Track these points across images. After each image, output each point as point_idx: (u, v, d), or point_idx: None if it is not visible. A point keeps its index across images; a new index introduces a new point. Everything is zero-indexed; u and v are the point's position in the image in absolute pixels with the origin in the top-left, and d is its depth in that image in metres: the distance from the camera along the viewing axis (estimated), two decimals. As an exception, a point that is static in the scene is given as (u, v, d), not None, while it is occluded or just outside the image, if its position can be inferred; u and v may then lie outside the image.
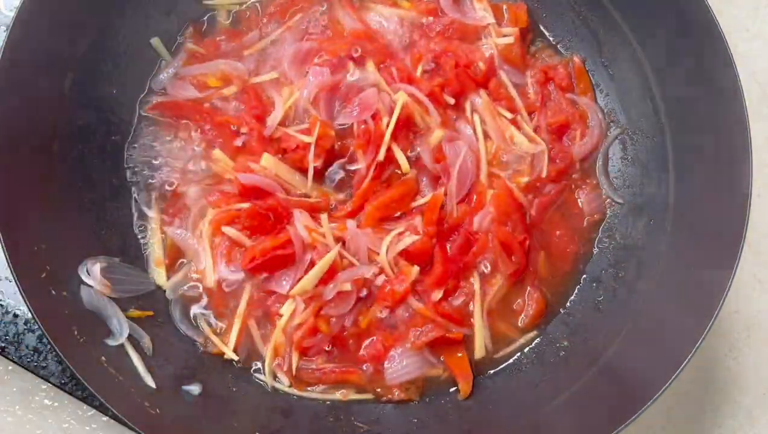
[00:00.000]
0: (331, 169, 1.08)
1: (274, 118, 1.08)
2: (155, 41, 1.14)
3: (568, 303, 1.10)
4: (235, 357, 1.02)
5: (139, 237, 1.07)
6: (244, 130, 1.08)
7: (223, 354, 1.02)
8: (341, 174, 1.08)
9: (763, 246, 1.21)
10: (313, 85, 1.08)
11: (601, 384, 0.96)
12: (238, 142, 1.08)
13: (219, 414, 0.96)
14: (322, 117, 1.07)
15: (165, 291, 1.04)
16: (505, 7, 1.19)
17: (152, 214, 1.07)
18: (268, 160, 1.05)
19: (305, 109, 1.08)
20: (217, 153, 1.08)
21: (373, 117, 1.06)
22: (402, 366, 1.02)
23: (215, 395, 0.98)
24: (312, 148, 1.04)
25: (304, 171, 1.06)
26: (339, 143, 1.07)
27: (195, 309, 1.04)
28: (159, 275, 1.05)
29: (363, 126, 1.06)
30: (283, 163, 1.06)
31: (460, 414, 1.02)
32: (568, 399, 0.97)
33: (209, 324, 1.04)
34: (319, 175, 1.07)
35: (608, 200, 1.14)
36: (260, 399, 1.01)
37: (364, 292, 1.03)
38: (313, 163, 1.04)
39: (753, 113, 0.94)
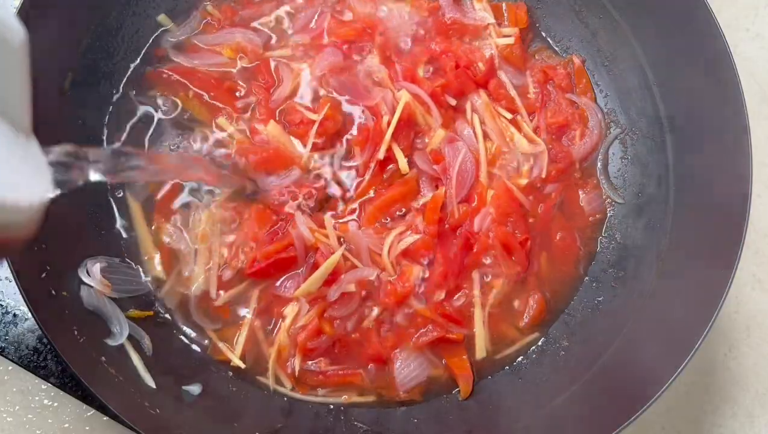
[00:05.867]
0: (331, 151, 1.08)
1: (281, 91, 1.09)
2: (162, 17, 1.14)
3: (569, 304, 1.10)
4: (242, 365, 1.01)
5: (127, 236, 1.06)
6: (252, 99, 1.09)
7: (229, 360, 1.01)
8: (339, 165, 1.08)
9: (763, 246, 1.21)
10: (324, 65, 1.10)
11: (601, 384, 0.96)
12: (240, 104, 1.09)
13: (219, 414, 0.96)
14: (332, 97, 1.09)
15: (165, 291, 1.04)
16: (504, 6, 1.19)
17: (152, 213, 1.07)
18: (274, 127, 1.06)
19: (315, 90, 1.10)
20: (221, 121, 1.08)
21: (374, 114, 1.07)
22: (410, 370, 1.02)
23: (215, 395, 0.98)
24: (316, 124, 1.05)
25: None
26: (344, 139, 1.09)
27: (197, 314, 1.03)
28: (156, 275, 1.04)
29: (363, 120, 1.07)
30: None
31: (460, 415, 1.02)
32: (568, 399, 0.97)
33: (214, 330, 1.03)
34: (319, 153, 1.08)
35: (608, 200, 1.14)
36: (260, 399, 1.01)
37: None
38: (313, 138, 1.05)
39: (753, 113, 0.94)
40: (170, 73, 1.11)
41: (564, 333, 1.07)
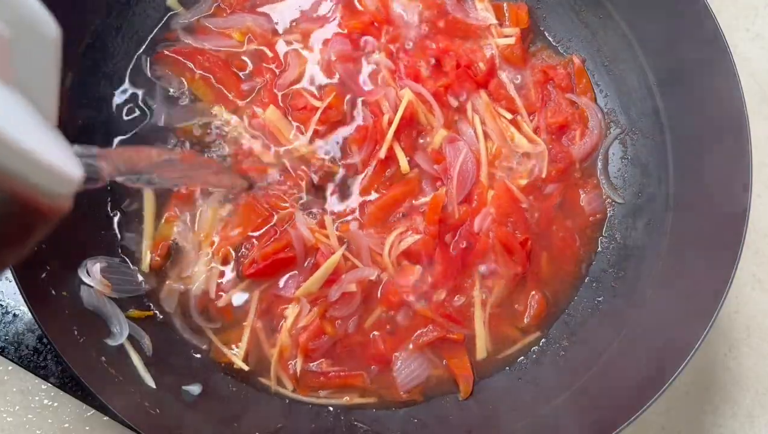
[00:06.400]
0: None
1: (288, 76, 1.10)
2: (171, 1, 1.14)
3: (569, 304, 1.10)
4: (246, 367, 1.01)
5: (128, 236, 1.05)
6: (258, 81, 1.10)
7: (232, 363, 1.01)
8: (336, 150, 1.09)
9: (763, 246, 1.21)
10: (332, 52, 1.11)
11: (601, 384, 0.96)
12: (245, 87, 1.10)
13: (219, 414, 0.96)
14: (339, 88, 1.09)
15: (157, 282, 1.03)
16: (506, 6, 1.19)
17: (162, 210, 1.06)
18: (272, 113, 1.06)
19: (322, 78, 1.11)
20: (217, 109, 1.08)
21: (373, 112, 1.07)
22: (410, 370, 1.02)
23: (215, 395, 0.98)
24: (319, 112, 1.06)
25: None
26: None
27: (197, 315, 1.03)
28: (156, 274, 1.04)
29: (362, 117, 1.08)
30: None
31: (460, 414, 1.02)
32: (568, 399, 0.97)
33: (215, 332, 1.02)
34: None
35: (608, 200, 1.14)
36: (260, 399, 1.01)
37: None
38: (315, 125, 1.06)
39: (753, 113, 0.94)
40: (177, 55, 1.11)
41: (564, 333, 1.07)
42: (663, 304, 0.98)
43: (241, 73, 1.12)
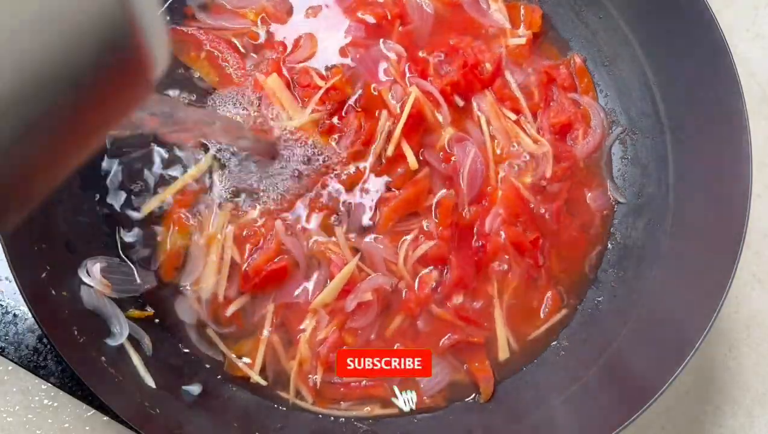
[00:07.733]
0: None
1: (298, 54, 1.10)
2: None
3: (581, 302, 1.09)
4: (263, 382, 0.99)
5: (129, 237, 1.05)
6: (268, 54, 1.10)
7: (249, 377, 1.00)
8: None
9: (763, 246, 1.21)
10: (348, 36, 1.12)
11: (601, 384, 0.96)
12: (251, 64, 1.09)
13: (219, 414, 0.96)
14: (346, 71, 1.09)
15: (165, 290, 1.03)
16: (522, 9, 1.18)
17: (170, 212, 1.05)
18: (274, 81, 1.06)
19: (332, 59, 1.11)
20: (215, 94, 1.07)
21: (373, 103, 1.07)
22: (434, 375, 1.01)
23: (215, 395, 0.98)
24: (321, 91, 1.06)
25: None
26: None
27: (211, 329, 1.01)
28: (152, 278, 1.02)
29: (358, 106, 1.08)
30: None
31: (461, 415, 1.02)
32: (568, 399, 0.97)
33: (228, 346, 1.01)
34: (317, 123, 1.07)
35: (611, 199, 1.14)
36: (260, 399, 1.01)
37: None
38: (315, 104, 1.06)
39: (753, 113, 0.94)
40: (180, 35, 1.10)
41: (564, 333, 1.07)
42: (663, 304, 0.98)
43: (252, 43, 1.11)
